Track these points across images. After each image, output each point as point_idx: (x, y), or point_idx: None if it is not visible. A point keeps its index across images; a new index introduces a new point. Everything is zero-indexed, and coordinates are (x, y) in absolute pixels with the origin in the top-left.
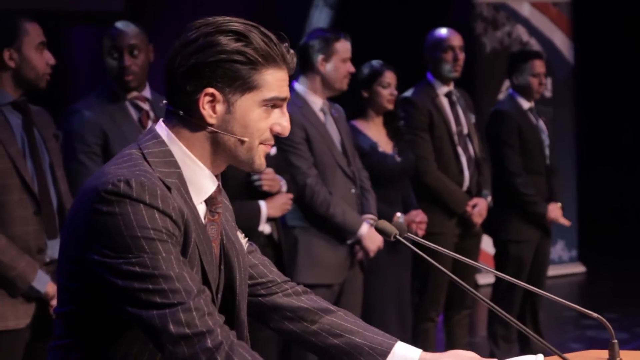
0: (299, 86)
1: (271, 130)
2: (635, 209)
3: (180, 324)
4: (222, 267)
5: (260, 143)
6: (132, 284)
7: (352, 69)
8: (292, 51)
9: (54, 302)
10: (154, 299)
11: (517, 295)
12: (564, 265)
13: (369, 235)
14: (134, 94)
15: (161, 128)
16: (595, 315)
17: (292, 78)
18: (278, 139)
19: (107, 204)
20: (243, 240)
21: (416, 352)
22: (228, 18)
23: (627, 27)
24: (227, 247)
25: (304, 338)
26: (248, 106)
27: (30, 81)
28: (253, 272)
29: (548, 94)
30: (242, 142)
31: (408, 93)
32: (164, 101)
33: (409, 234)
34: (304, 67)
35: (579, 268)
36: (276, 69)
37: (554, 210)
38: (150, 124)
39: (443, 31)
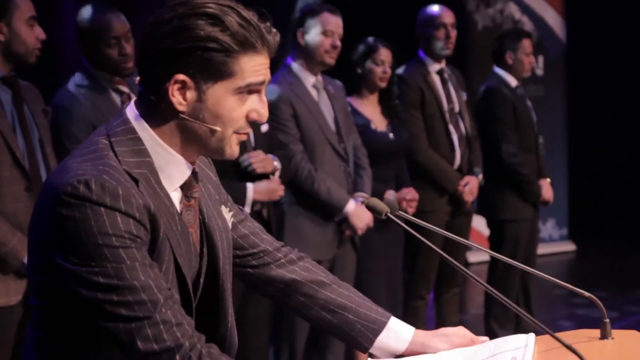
0: (292, 62)
1: (247, 118)
2: (625, 187)
3: (148, 340)
4: (204, 249)
5: (235, 132)
6: (95, 294)
7: (337, 42)
8: (273, 31)
9: None
10: (119, 311)
11: (515, 276)
12: (554, 243)
13: (356, 212)
14: (116, 79)
15: (132, 112)
16: (587, 294)
17: (286, 55)
18: (269, 116)
19: (67, 207)
20: (227, 215)
21: (409, 330)
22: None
23: (619, 5)
24: (208, 227)
25: (297, 310)
26: (221, 94)
27: (19, 56)
28: (243, 243)
29: (540, 72)
30: (214, 131)
31: (400, 70)
32: (137, 78)
33: (401, 212)
34: (292, 43)
35: (570, 246)
36: (253, 54)
37: (546, 187)
38: None
39: (435, 8)
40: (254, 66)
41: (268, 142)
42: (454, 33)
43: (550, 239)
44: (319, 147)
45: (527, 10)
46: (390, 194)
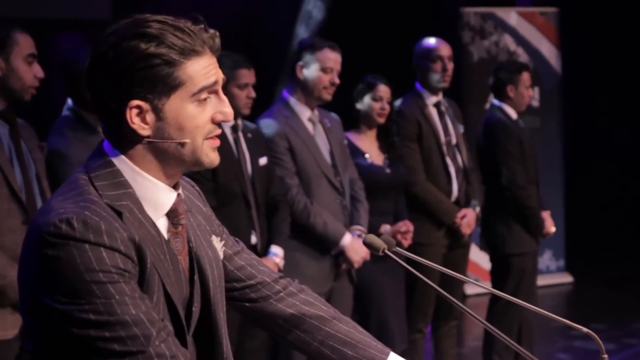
0: (288, 96)
1: (213, 121)
2: (622, 218)
3: None
4: (194, 277)
5: (205, 139)
6: (87, 332)
7: (335, 79)
8: (211, 31)
9: None
10: (112, 347)
11: (517, 311)
12: (551, 275)
13: (352, 246)
14: None
15: (107, 146)
16: (585, 330)
17: (283, 86)
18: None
19: (51, 247)
20: (218, 245)
21: None
22: (132, 21)
23: (613, 37)
24: (197, 255)
25: (296, 345)
26: (178, 107)
27: (15, 92)
28: (240, 274)
29: (535, 103)
30: (183, 144)
31: (397, 103)
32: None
33: (398, 248)
34: (290, 76)
35: (567, 278)
36: (197, 59)
37: (548, 220)
38: None
39: (432, 41)
40: (200, 69)
41: (266, 176)
42: (450, 66)
43: (548, 271)
44: (315, 180)
45: (522, 41)
46: (385, 228)
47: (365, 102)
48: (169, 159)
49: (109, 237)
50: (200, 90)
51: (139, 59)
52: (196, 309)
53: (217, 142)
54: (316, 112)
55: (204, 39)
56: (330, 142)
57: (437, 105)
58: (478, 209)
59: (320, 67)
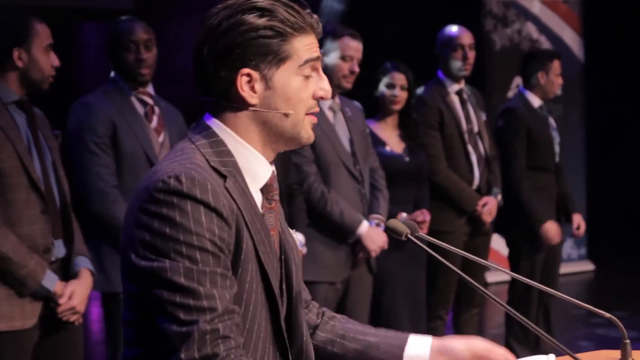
0: None
1: (314, 97)
2: None
3: (191, 349)
4: (282, 257)
5: (306, 114)
6: (162, 292)
7: (355, 68)
8: (315, 16)
9: (62, 301)
10: (178, 313)
11: (533, 296)
12: (573, 263)
13: (369, 234)
14: (140, 89)
15: (209, 119)
16: (607, 315)
17: None
18: None
19: (155, 203)
20: (294, 235)
21: (428, 338)
22: None
23: (636, 25)
24: (282, 240)
25: (320, 349)
26: (285, 78)
27: (35, 82)
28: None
29: (558, 91)
30: (287, 115)
31: (419, 91)
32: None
33: (420, 233)
34: None
35: (588, 266)
36: (304, 36)
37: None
38: (155, 118)
39: (453, 29)
40: (306, 45)
41: (283, 164)
42: (472, 54)
43: (569, 259)
44: (334, 168)
45: (544, 29)
46: (402, 216)
47: (380, 90)
48: (271, 131)
49: (214, 196)
50: (306, 62)
51: (253, 29)
52: (286, 287)
53: (315, 119)
54: (337, 100)
55: (310, 21)
56: (351, 130)
57: (459, 93)
58: (500, 196)
59: (340, 55)
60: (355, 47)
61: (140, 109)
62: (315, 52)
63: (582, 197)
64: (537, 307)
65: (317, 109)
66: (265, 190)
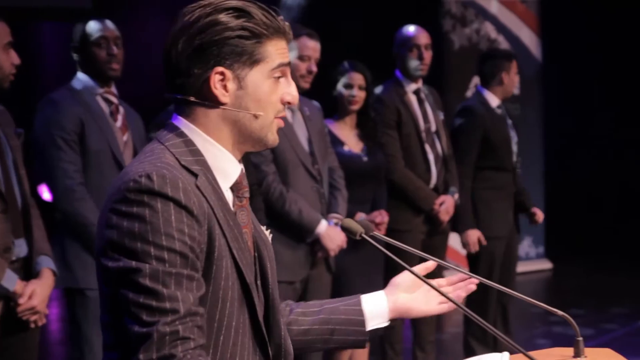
0: None
1: (282, 101)
2: (601, 205)
3: (150, 351)
4: (256, 254)
5: (275, 117)
6: (127, 293)
7: (313, 68)
8: (287, 23)
9: (22, 300)
10: (141, 314)
11: (491, 295)
12: (531, 261)
13: (328, 234)
14: (105, 88)
15: (177, 120)
16: (560, 313)
17: None
18: None
19: (126, 203)
20: (266, 232)
21: (380, 292)
22: None
23: (593, 24)
24: (255, 237)
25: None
26: (258, 79)
27: None
28: None
29: (516, 91)
30: (257, 117)
31: (377, 90)
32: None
33: (376, 233)
34: None
35: (546, 264)
36: (278, 39)
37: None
38: (120, 117)
39: (410, 29)
40: (279, 49)
41: (245, 163)
42: (428, 54)
43: (527, 258)
44: (292, 168)
45: (503, 29)
46: (359, 217)
47: (338, 89)
48: (240, 131)
49: (185, 194)
50: (278, 66)
51: (230, 29)
52: (261, 284)
53: (282, 124)
54: None
55: (284, 27)
56: (309, 130)
57: (416, 92)
58: (457, 195)
59: (297, 55)
60: (312, 46)
61: (105, 108)
62: (287, 57)
63: (540, 195)
64: (495, 306)
65: (284, 114)
66: (235, 188)
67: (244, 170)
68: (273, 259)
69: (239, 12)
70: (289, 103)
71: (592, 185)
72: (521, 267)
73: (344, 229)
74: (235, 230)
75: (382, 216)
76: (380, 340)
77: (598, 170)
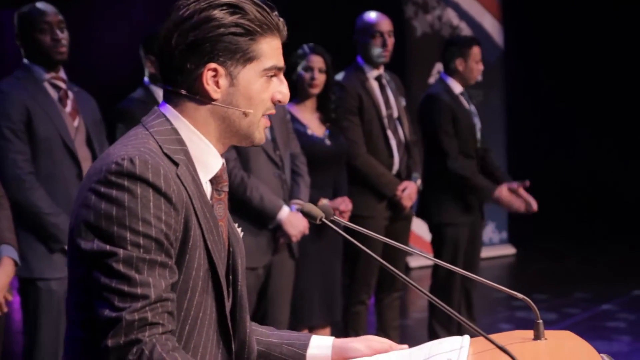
0: None
1: (272, 100)
2: (563, 190)
3: (119, 336)
4: (230, 249)
5: (263, 115)
6: (99, 277)
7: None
8: (282, 19)
9: None
10: (113, 299)
11: (456, 280)
12: (494, 247)
13: (290, 219)
14: (52, 74)
15: (165, 108)
16: (520, 296)
17: None
18: None
19: (106, 185)
20: (238, 230)
21: (329, 338)
22: None
23: (556, 11)
24: (230, 232)
25: None
26: (250, 77)
27: None
28: None
29: (478, 77)
30: (246, 114)
31: (338, 77)
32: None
33: (336, 217)
34: None
35: (509, 250)
36: (272, 38)
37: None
38: (69, 103)
39: (372, 15)
40: (274, 49)
41: None
42: (391, 41)
43: (491, 243)
44: (253, 154)
45: (465, 16)
46: (323, 203)
47: (297, 73)
48: (228, 127)
49: (165, 181)
50: (271, 68)
51: (224, 26)
52: (232, 278)
53: (269, 123)
54: None
55: (278, 24)
56: (270, 116)
57: (378, 78)
58: (419, 181)
59: None
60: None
61: (53, 93)
62: (282, 61)
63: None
64: (460, 290)
65: (273, 111)
66: (215, 181)
67: (225, 165)
68: (244, 257)
69: (234, 8)
70: (279, 102)
71: (554, 170)
72: (484, 253)
73: (305, 213)
74: (211, 222)
75: (345, 203)
76: (344, 326)
77: (561, 155)
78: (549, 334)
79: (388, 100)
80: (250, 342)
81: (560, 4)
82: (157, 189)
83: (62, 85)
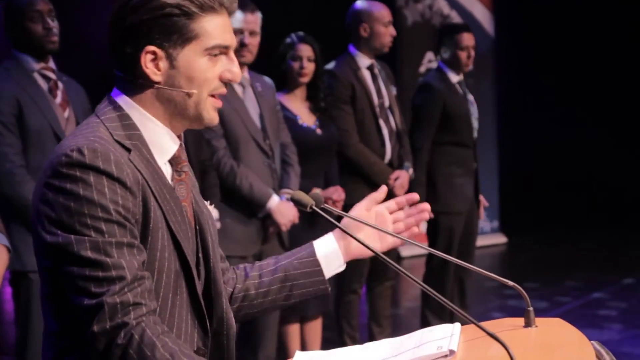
0: None
1: (221, 79)
2: (554, 179)
3: (104, 321)
4: (197, 227)
5: (210, 95)
6: (71, 267)
7: (246, 40)
8: None
9: None
10: (89, 286)
11: (449, 269)
12: (486, 236)
13: (279, 208)
14: (42, 64)
15: (116, 94)
16: (511, 284)
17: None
18: None
19: (59, 178)
20: (210, 207)
21: (329, 237)
22: None
23: (545, 0)
24: (196, 210)
25: (247, 300)
26: (191, 58)
27: None
28: None
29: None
30: (190, 95)
31: (330, 65)
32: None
33: (326, 205)
34: None
35: (501, 239)
36: (214, 15)
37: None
38: (59, 94)
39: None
40: (217, 27)
41: (197, 137)
42: (391, 29)
43: (482, 232)
44: (243, 143)
45: (455, 5)
46: (315, 192)
47: (287, 62)
48: (175, 109)
49: (117, 167)
50: (214, 47)
51: (160, 7)
52: (203, 257)
53: (220, 103)
54: (247, 75)
55: (221, 0)
56: (261, 105)
57: (370, 68)
58: (411, 170)
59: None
60: (241, 19)
61: (43, 84)
62: (229, 39)
63: (494, 170)
64: (454, 279)
65: (223, 91)
66: (174, 162)
67: (183, 145)
68: (215, 233)
69: None
70: (229, 81)
71: (546, 159)
72: (477, 242)
73: (295, 201)
74: (172, 203)
75: (338, 193)
76: (337, 315)
77: (552, 144)
78: (540, 321)
79: (380, 90)
80: (227, 317)
81: None
82: (109, 175)
83: (52, 75)
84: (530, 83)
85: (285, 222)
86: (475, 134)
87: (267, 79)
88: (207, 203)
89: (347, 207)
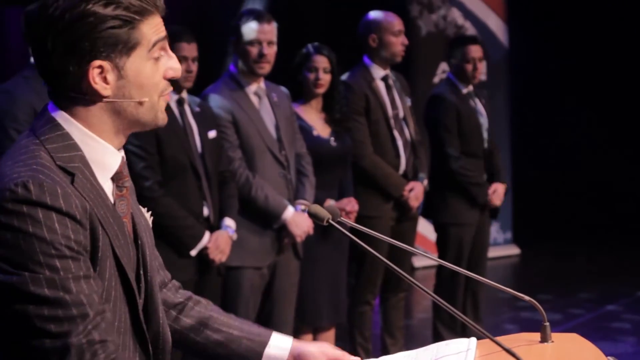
0: (234, 69)
1: (165, 77)
2: (568, 190)
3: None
4: (137, 241)
5: (159, 96)
6: (27, 307)
7: (264, 51)
8: None
9: None
10: (49, 327)
11: (460, 280)
12: (498, 247)
13: (294, 219)
14: None
15: (54, 111)
16: (527, 298)
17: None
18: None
19: (5, 214)
20: (147, 215)
21: (288, 340)
22: None
23: (560, 11)
24: (135, 223)
25: (183, 335)
26: (137, 65)
27: None
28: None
29: (483, 77)
30: (142, 103)
31: (344, 77)
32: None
33: (343, 218)
34: (234, 50)
35: (514, 250)
36: (150, 18)
37: (497, 190)
38: None
39: (383, 14)
40: (153, 27)
41: (216, 149)
42: (403, 39)
43: (495, 243)
44: (259, 154)
45: (469, 15)
46: (329, 203)
47: (303, 73)
48: (125, 119)
49: (65, 200)
50: (154, 45)
51: (101, 21)
52: (143, 273)
53: (168, 99)
54: (262, 85)
55: (154, 1)
56: (277, 116)
57: (384, 78)
58: (426, 181)
59: (246, 40)
60: (259, 29)
61: None
62: (162, 32)
63: (507, 181)
64: (465, 291)
65: (170, 89)
66: (116, 178)
67: (124, 159)
68: (152, 244)
69: (104, 0)
70: (172, 77)
71: (559, 170)
72: (489, 253)
73: (311, 215)
74: (115, 226)
75: (352, 204)
76: (349, 326)
77: (565, 155)
78: (556, 336)
79: (394, 101)
80: (164, 331)
81: (565, 3)
82: (58, 210)
83: None
84: (544, 93)
85: (300, 233)
86: (486, 145)
87: (283, 89)
88: (144, 210)
89: (361, 218)
